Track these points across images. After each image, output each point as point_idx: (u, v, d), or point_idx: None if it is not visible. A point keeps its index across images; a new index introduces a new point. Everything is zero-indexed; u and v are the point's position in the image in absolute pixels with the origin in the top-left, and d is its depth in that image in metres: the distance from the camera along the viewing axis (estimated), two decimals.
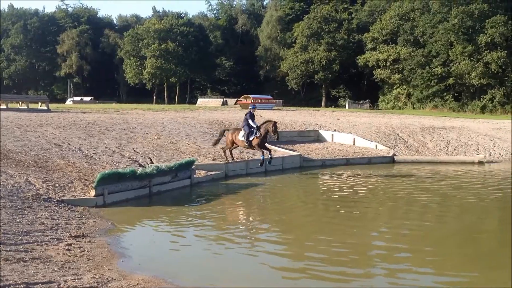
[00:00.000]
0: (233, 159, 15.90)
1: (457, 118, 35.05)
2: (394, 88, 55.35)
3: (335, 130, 24.23)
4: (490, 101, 46.37)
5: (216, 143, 16.43)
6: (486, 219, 10.59)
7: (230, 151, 15.97)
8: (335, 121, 28.38)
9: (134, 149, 15.68)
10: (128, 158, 14.42)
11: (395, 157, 20.56)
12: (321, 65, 59.36)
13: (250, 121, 15.56)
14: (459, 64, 47.59)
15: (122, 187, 10.72)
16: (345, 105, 53.92)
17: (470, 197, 12.46)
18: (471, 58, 47.13)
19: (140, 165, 13.46)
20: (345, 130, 24.57)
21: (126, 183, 10.81)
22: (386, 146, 21.98)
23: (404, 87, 54.01)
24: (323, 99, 62.18)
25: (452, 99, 49.17)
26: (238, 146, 15.89)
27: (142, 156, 14.86)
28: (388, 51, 54.29)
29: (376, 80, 56.83)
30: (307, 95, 66.49)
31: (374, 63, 55.50)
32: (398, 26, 55.39)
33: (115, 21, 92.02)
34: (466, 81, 47.97)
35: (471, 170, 18.21)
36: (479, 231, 9.45)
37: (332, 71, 59.92)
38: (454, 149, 22.14)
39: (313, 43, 61.28)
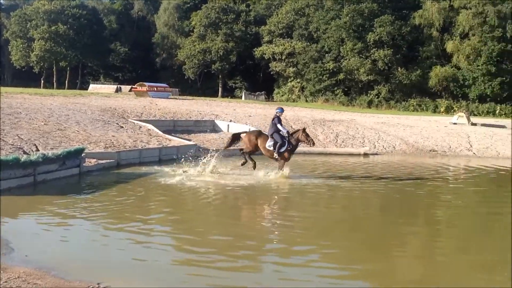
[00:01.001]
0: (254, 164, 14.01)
1: (346, 112, 36.86)
2: (288, 81, 56.88)
3: (231, 121, 24.42)
4: (376, 96, 49.22)
5: (228, 146, 14.76)
6: (369, 208, 11.26)
7: (250, 155, 14.14)
8: (231, 111, 28.61)
9: (19, 135, 14.72)
10: (12, 145, 13.51)
11: None
12: (219, 56, 59.51)
13: (280, 127, 13.79)
14: (349, 60, 50.03)
15: (4, 175, 10.03)
16: (241, 96, 54.51)
17: (355, 187, 13.16)
18: (360, 55, 49.71)
19: (25, 153, 12.66)
20: (241, 121, 24.86)
21: (9, 171, 10.12)
22: None
23: (298, 80, 55.69)
24: (220, 89, 62.43)
25: (342, 94, 51.53)
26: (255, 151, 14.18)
27: (27, 143, 13.98)
28: (284, 45, 55.68)
29: (271, 73, 58.07)
30: (204, 84, 66.36)
31: (270, 56, 56.65)
32: (293, 21, 56.98)
33: (1, 1, 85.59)
34: (355, 76, 50.54)
35: (357, 162, 19.25)
36: (363, 219, 10.02)
37: (229, 61, 60.32)
38: (343, 141, 23.24)
39: (211, 33, 61.24)
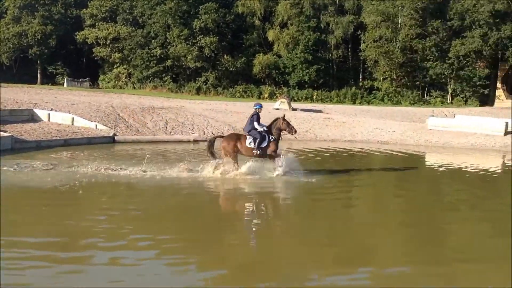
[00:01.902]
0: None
1: (175, 99, 36.79)
2: (114, 67, 54.82)
3: (52, 109, 22.81)
4: (204, 83, 49.86)
5: (213, 154, 13.74)
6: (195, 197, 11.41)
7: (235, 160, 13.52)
8: (52, 99, 26.73)
9: None
10: None
11: (115, 137, 20.48)
12: (36, 39, 55.00)
13: (257, 125, 13.43)
14: (176, 46, 49.85)
15: None
16: (63, 83, 51.19)
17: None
18: (187, 42, 49.83)
19: None
20: (63, 109, 23.37)
21: None
22: (106, 126, 21.70)
23: (125, 66, 53.97)
24: (39, 76, 57.81)
25: (171, 81, 51.23)
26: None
27: None
28: (108, 29, 53.44)
29: (96, 58, 55.42)
30: (21, 70, 60.70)
31: (93, 41, 53.94)
32: (117, 5, 54.93)
33: None
34: (183, 63, 50.57)
35: (186, 148, 19.35)
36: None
37: (49, 46, 56.06)
38: (172, 129, 23.19)
39: (26, 15, 56.25)
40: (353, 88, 47.34)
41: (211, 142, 13.87)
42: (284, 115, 14.27)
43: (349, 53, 50.83)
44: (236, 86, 48.90)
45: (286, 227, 9.57)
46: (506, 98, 45.07)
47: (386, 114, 32.68)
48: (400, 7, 45.70)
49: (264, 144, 13.48)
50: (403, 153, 20.57)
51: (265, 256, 7.68)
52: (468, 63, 44.84)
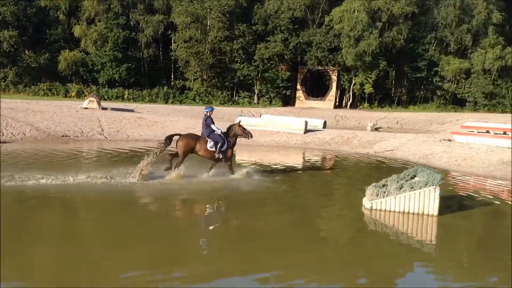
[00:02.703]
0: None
1: None
2: None
3: None
4: (3, 80, 45.35)
5: (162, 149, 13.71)
6: None
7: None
8: None
9: None
10: None
11: None
12: None
13: (215, 127, 13.86)
14: None
15: None
16: None
17: None
18: None
19: None
20: None
21: None
22: None
23: None
24: None
25: None
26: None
27: None
28: None
29: None
30: None
31: None
32: None
33: None
34: None
35: None
36: None
37: None
38: None
39: None
40: (165, 87, 47.28)
41: (168, 141, 13.82)
42: (240, 121, 15.12)
43: (160, 53, 50.66)
44: (39, 83, 45.32)
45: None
46: (306, 99, 49.35)
47: (198, 113, 33.24)
48: (208, 9, 46.95)
49: (224, 148, 13.92)
50: None
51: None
52: (271, 66, 47.99)
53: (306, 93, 50.13)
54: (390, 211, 11.06)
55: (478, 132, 22.66)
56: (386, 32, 46.86)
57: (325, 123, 29.88)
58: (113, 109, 32.37)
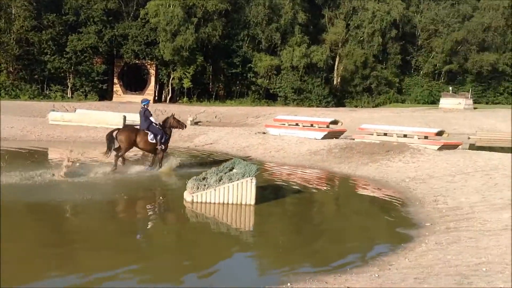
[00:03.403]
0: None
1: None
2: None
3: None
4: None
5: (109, 150, 14.25)
6: None
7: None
8: None
9: None
10: None
11: None
12: None
13: (153, 119, 14.49)
14: None
15: None
16: None
17: None
18: None
19: None
20: None
21: None
22: None
23: None
24: None
25: None
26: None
27: None
28: None
29: None
30: None
31: None
32: None
33: None
34: None
35: None
36: None
37: None
38: None
39: None
40: None
41: (111, 136, 14.21)
42: (174, 114, 15.46)
43: None
44: None
45: None
46: (124, 93, 48.04)
47: (7, 108, 30.25)
48: None
49: (163, 140, 14.38)
50: (24, 149, 19.44)
51: None
52: (86, 58, 45.72)
53: (124, 87, 48.79)
54: (211, 203, 11.33)
55: (289, 125, 24.31)
56: (202, 28, 47.80)
57: None
58: None
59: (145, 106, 14.54)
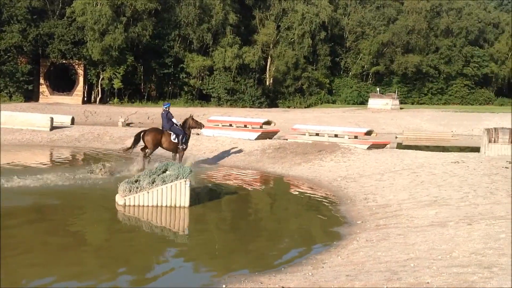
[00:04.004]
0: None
1: None
2: None
3: None
4: None
5: (131, 148, 15.64)
6: None
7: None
8: None
9: None
10: None
11: None
12: None
13: (175, 121, 15.55)
14: None
15: None
16: None
17: None
18: None
19: None
20: None
21: None
22: None
23: None
24: None
25: None
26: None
27: None
28: None
29: None
30: None
31: None
32: None
33: None
34: None
35: None
36: None
37: None
38: None
39: None
40: None
41: (139, 137, 15.35)
42: (192, 115, 16.33)
43: None
44: None
45: None
46: (51, 94, 46.19)
47: None
48: None
49: (184, 140, 15.45)
50: None
51: None
52: (9, 58, 43.67)
53: (51, 88, 46.85)
54: (144, 206, 11.12)
55: (223, 125, 24.32)
56: (131, 28, 46.80)
57: (73, 119, 28.38)
58: None
59: (167, 109, 15.78)
